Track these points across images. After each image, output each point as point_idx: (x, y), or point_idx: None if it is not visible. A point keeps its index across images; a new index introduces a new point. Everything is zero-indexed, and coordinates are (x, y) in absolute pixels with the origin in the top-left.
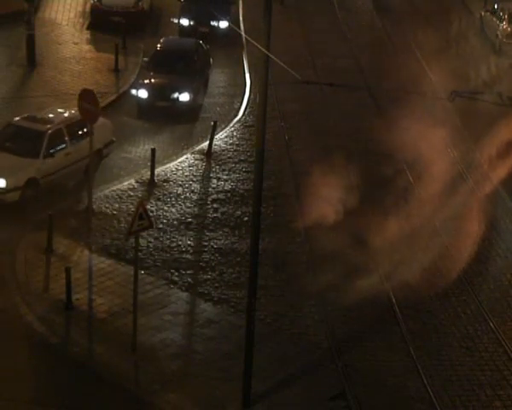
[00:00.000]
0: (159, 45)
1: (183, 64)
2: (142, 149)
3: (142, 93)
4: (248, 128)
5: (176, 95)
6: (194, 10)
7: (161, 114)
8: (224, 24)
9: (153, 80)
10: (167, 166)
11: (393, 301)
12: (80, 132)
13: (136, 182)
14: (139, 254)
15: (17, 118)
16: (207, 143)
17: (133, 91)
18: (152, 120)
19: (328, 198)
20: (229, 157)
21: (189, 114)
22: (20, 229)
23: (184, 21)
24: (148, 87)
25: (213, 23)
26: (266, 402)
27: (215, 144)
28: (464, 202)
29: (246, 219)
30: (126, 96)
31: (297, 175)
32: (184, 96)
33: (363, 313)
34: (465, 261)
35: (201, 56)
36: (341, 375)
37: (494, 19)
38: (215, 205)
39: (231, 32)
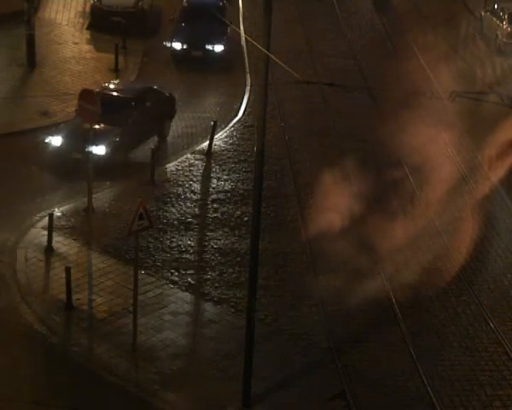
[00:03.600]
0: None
1: (121, 114)
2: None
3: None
4: (248, 128)
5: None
6: (187, 33)
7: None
8: (219, 48)
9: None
10: (167, 166)
11: (393, 301)
12: None
13: (137, 181)
14: (139, 254)
15: None
16: (207, 143)
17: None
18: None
19: (328, 197)
20: (229, 157)
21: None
22: (20, 229)
23: (177, 45)
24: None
25: (208, 47)
26: (266, 402)
27: (215, 144)
28: (464, 199)
29: (246, 219)
30: None
31: (297, 175)
32: (100, 150)
33: (363, 313)
34: (465, 261)
35: (158, 104)
36: (341, 375)
37: (494, 19)
38: (215, 205)
39: (227, 57)
